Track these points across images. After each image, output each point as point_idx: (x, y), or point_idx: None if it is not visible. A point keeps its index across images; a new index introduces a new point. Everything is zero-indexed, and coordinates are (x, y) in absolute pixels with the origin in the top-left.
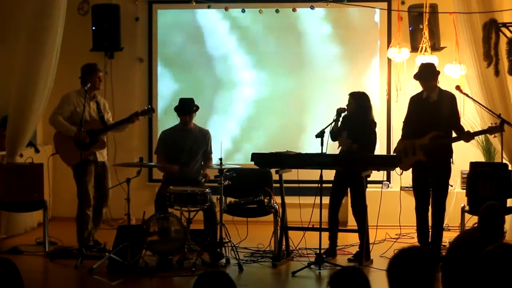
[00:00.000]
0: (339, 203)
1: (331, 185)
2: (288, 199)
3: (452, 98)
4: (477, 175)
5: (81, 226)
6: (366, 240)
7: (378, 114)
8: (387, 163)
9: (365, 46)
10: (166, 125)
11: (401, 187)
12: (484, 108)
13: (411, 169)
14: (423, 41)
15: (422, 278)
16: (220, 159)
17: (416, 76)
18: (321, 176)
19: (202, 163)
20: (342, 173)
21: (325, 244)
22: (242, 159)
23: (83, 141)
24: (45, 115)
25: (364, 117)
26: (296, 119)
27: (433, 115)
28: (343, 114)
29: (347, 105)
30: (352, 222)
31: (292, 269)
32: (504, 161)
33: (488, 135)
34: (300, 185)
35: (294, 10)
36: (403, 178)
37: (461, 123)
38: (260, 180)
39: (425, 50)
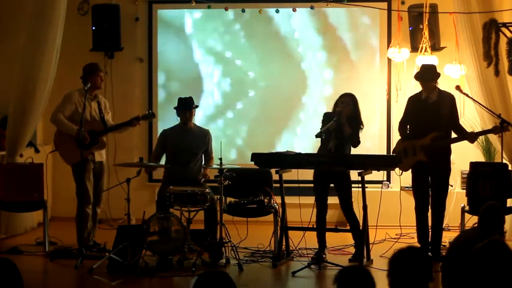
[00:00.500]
0: (326, 203)
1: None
2: (288, 199)
3: (452, 98)
4: (477, 175)
5: (80, 225)
6: (366, 240)
7: (378, 114)
8: (387, 163)
9: (365, 46)
10: (166, 126)
11: (401, 187)
12: (484, 108)
13: (410, 169)
14: (423, 41)
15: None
16: (220, 159)
17: (417, 76)
18: (314, 176)
19: (202, 163)
20: (322, 172)
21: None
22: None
23: (84, 141)
24: (45, 115)
25: (356, 118)
26: (295, 118)
27: (433, 116)
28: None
29: (343, 106)
30: None
31: (292, 269)
32: (504, 161)
33: (492, 134)
34: (300, 185)
35: (294, 10)
36: (403, 178)
37: (461, 123)
38: (260, 180)
39: (425, 50)
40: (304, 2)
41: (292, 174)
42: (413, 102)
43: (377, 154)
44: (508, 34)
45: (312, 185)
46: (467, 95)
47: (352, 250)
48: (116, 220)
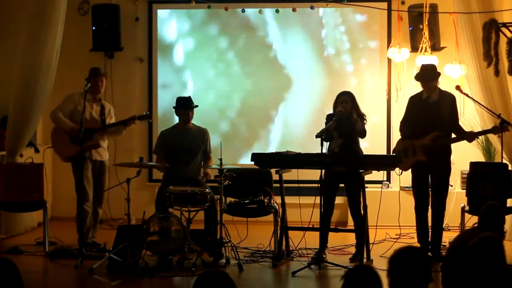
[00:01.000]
0: (333, 204)
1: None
2: (288, 199)
3: (452, 98)
4: (477, 175)
5: (80, 222)
6: (366, 240)
7: (378, 114)
8: (387, 163)
9: (365, 46)
10: (166, 125)
11: (401, 187)
12: (484, 108)
13: (410, 169)
14: (423, 41)
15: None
16: (220, 159)
17: (417, 77)
18: (321, 176)
19: (202, 162)
20: (332, 171)
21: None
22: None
23: (76, 136)
24: (45, 115)
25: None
26: (294, 118)
27: (433, 116)
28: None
29: (343, 105)
30: (352, 222)
31: (292, 269)
32: (504, 161)
33: (492, 134)
34: (300, 185)
35: (294, 10)
36: (403, 178)
37: (461, 123)
38: (260, 180)
39: (425, 50)
40: (304, 2)
41: (292, 174)
42: (414, 101)
43: (377, 154)
44: (508, 34)
45: (313, 185)
46: (467, 95)
47: (352, 250)
48: (116, 220)
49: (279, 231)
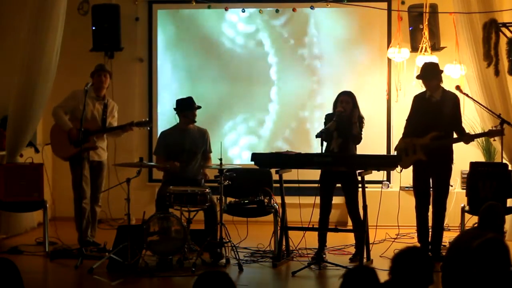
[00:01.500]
0: (330, 203)
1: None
2: (288, 199)
3: (455, 99)
4: (477, 175)
5: (80, 221)
6: (366, 240)
7: (378, 114)
8: (387, 163)
9: (365, 46)
10: (165, 126)
11: (400, 187)
12: (484, 108)
13: (411, 169)
14: (423, 41)
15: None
16: (220, 159)
17: (419, 76)
18: (321, 176)
19: (202, 162)
20: (329, 172)
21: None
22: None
23: (73, 138)
24: (45, 115)
25: (356, 115)
26: (294, 118)
27: (435, 115)
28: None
29: (343, 105)
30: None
31: (292, 269)
32: (504, 161)
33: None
34: (300, 185)
35: (294, 10)
36: (403, 178)
37: (462, 124)
38: (260, 180)
39: (425, 50)
40: (304, 2)
41: (292, 174)
42: (418, 100)
43: (377, 154)
44: (508, 34)
45: (313, 185)
46: (467, 95)
47: (352, 250)
48: (116, 220)
49: (279, 231)
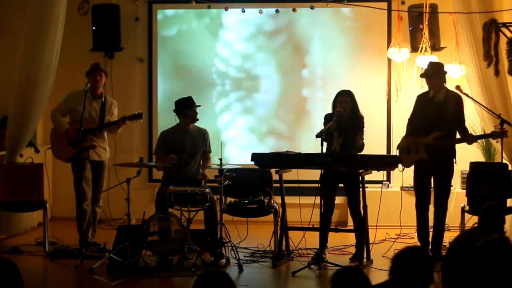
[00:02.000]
0: (333, 203)
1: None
2: (288, 199)
3: (459, 99)
4: (477, 175)
5: (80, 222)
6: (366, 240)
7: (378, 114)
8: (387, 163)
9: (365, 46)
10: (165, 126)
11: (401, 187)
12: (484, 108)
13: (412, 168)
14: (423, 41)
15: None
16: (220, 159)
17: (423, 74)
18: (321, 175)
19: (201, 162)
20: (330, 172)
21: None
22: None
23: (71, 139)
24: (45, 115)
25: (356, 114)
26: (294, 118)
27: (438, 115)
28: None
29: (342, 105)
30: (352, 222)
31: (292, 269)
32: (504, 161)
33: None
34: (300, 185)
35: (294, 10)
36: (403, 178)
37: (465, 124)
38: (260, 180)
39: (425, 50)
40: (304, 2)
41: (292, 174)
42: (421, 100)
43: (377, 154)
44: (508, 34)
45: (313, 185)
46: (467, 95)
47: (352, 250)
48: (116, 220)
49: (279, 231)
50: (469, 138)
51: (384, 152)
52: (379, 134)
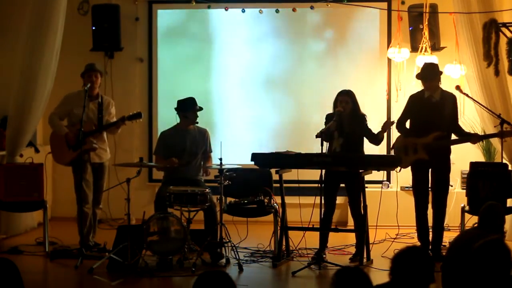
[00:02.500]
0: (334, 203)
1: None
2: (288, 199)
3: (454, 98)
4: (477, 175)
5: (80, 225)
6: (366, 240)
7: (378, 114)
8: (387, 163)
9: (365, 46)
10: (165, 126)
11: (400, 187)
12: (484, 108)
13: (411, 169)
14: (423, 41)
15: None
16: (220, 159)
17: (419, 76)
18: (321, 176)
19: (202, 162)
20: (332, 172)
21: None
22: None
23: (70, 142)
24: (45, 115)
25: (357, 113)
26: (294, 118)
27: (435, 116)
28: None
29: (343, 105)
30: (352, 222)
31: (292, 269)
32: (504, 161)
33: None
34: (300, 185)
35: (294, 10)
36: (402, 178)
37: (461, 123)
38: (260, 180)
39: (425, 50)
40: (304, 2)
41: (292, 174)
42: (415, 100)
43: (377, 154)
44: (508, 34)
45: (313, 185)
46: (467, 95)
47: (352, 250)
48: (116, 220)
49: (279, 231)
50: (474, 138)
51: (384, 152)
52: None
